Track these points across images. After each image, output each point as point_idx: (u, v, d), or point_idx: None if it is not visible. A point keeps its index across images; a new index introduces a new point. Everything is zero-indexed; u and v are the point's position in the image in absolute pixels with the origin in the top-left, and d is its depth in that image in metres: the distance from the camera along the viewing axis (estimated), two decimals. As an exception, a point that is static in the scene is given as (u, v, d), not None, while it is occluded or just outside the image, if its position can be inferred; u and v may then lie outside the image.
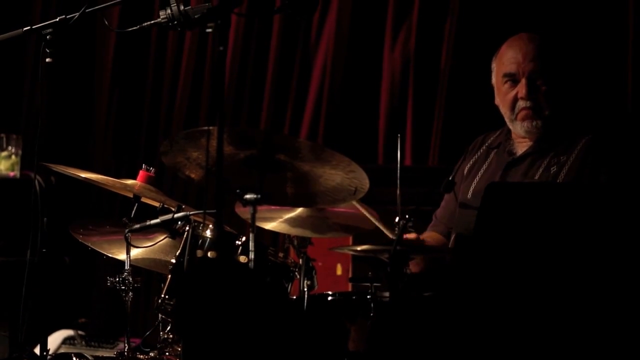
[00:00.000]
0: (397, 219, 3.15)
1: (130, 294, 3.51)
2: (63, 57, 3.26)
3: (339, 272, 4.91)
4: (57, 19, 3.22)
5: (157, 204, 3.55)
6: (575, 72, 4.04)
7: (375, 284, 3.21)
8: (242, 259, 3.31)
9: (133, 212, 3.57)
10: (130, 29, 3.25)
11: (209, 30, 2.76)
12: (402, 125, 5.40)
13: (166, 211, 3.47)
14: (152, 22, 3.17)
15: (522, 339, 2.80)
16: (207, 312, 2.79)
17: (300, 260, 3.39)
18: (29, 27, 3.26)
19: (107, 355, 3.80)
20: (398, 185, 3.16)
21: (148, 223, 3.45)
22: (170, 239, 3.52)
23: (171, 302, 3.36)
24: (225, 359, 2.78)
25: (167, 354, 3.50)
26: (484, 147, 3.96)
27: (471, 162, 3.95)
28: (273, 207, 3.57)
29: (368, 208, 3.55)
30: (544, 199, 2.86)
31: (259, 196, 3.07)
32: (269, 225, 3.59)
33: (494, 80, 3.87)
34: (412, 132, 5.40)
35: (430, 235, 3.93)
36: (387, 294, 3.16)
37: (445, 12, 5.34)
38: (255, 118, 5.75)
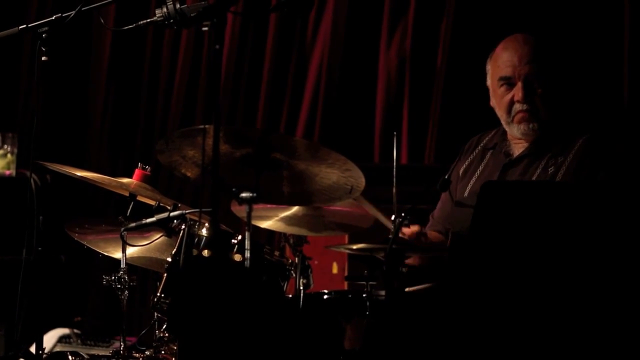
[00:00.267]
0: (393, 217, 3.16)
1: (126, 292, 3.51)
2: (59, 55, 3.25)
3: (334, 270, 4.91)
4: (53, 17, 3.21)
5: (153, 203, 3.55)
6: (571, 74, 4.04)
7: (371, 283, 3.22)
8: (238, 257, 3.31)
9: (129, 210, 3.56)
10: (126, 28, 3.25)
11: (205, 28, 2.75)
12: (398, 124, 5.41)
13: (162, 210, 3.47)
14: (148, 20, 3.17)
15: (517, 337, 2.80)
16: (203, 310, 2.79)
17: (296, 258, 3.39)
18: (24, 26, 3.26)
19: (103, 353, 3.80)
20: (394, 184, 3.16)
21: (144, 222, 3.44)
22: (166, 238, 3.52)
23: (167, 301, 3.36)
24: (221, 358, 2.78)
25: (162, 352, 3.49)
26: (479, 148, 3.95)
27: (467, 163, 3.94)
28: (269, 206, 3.57)
29: (368, 202, 3.55)
30: (540, 197, 2.86)
31: (254, 195, 3.07)
32: (264, 224, 3.59)
33: (489, 82, 3.86)
34: (408, 131, 5.41)
35: (429, 233, 3.92)
36: (382, 292, 3.17)
37: (441, 11, 5.34)
38: (251, 116, 5.76)
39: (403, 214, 3.14)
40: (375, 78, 5.50)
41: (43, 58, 3.19)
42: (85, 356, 3.56)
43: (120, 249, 3.51)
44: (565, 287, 2.78)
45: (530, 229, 2.82)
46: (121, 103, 6.08)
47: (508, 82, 3.76)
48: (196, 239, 3.36)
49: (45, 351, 3.47)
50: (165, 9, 3.06)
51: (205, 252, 3.34)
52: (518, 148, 3.82)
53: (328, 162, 3.15)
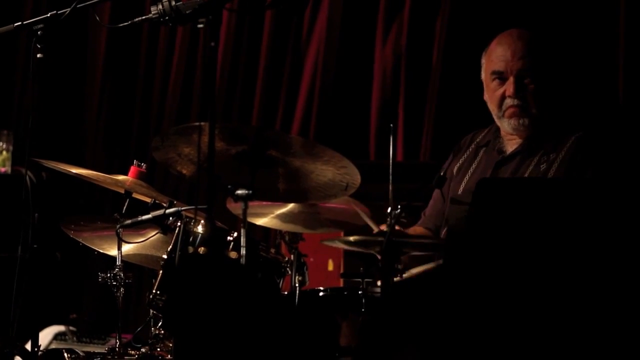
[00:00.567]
0: (389, 209, 3.12)
1: (122, 289, 3.52)
2: (54, 52, 3.26)
3: (330, 267, 4.91)
4: (49, 15, 3.21)
5: (148, 200, 3.55)
6: (564, 70, 4.04)
7: (366, 280, 3.21)
8: (234, 254, 3.31)
9: (124, 207, 3.56)
10: (121, 25, 3.25)
11: (201, 25, 2.75)
12: (393, 121, 5.41)
13: (157, 207, 3.47)
14: (144, 17, 3.16)
15: (513, 334, 2.81)
16: (199, 308, 2.79)
17: (292, 255, 3.39)
18: (20, 23, 3.25)
19: (99, 351, 3.80)
20: (390, 180, 3.15)
21: (139, 219, 3.44)
22: (161, 235, 3.52)
23: (163, 298, 3.36)
24: (217, 355, 2.78)
25: (158, 349, 3.50)
26: (472, 146, 3.95)
27: (460, 161, 3.95)
28: (264, 203, 3.57)
29: (359, 204, 3.55)
30: (535, 194, 2.87)
31: (250, 192, 3.07)
32: (260, 221, 3.59)
33: (483, 76, 3.87)
34: (404, 128, 5.41)
35: (415, 230, 3.92)
36: (378, 289, 3.17)
37: (437, 8, 5.34)
38: (246, 114, 5.76)
39: (400, 206, 3.12)
40: (371, 75, 5.50)
41: (38, 55, 3.19)
42: (81, 353, 3.56)
43: (116, 246, 3.51)
44: (561, 282, 2.79)
45: (526, 225, 2.82)
46: (117, 100, 6.08)
47: (500, 77, 3.76)
48: (192, 236, 3.36)
49: (41, 348, 3.47)
50: (160, 6, 3.06)
51: (201, 250, 3.34)
52: (511, 145, 3.82)
53: (323, 160, 3.16)
